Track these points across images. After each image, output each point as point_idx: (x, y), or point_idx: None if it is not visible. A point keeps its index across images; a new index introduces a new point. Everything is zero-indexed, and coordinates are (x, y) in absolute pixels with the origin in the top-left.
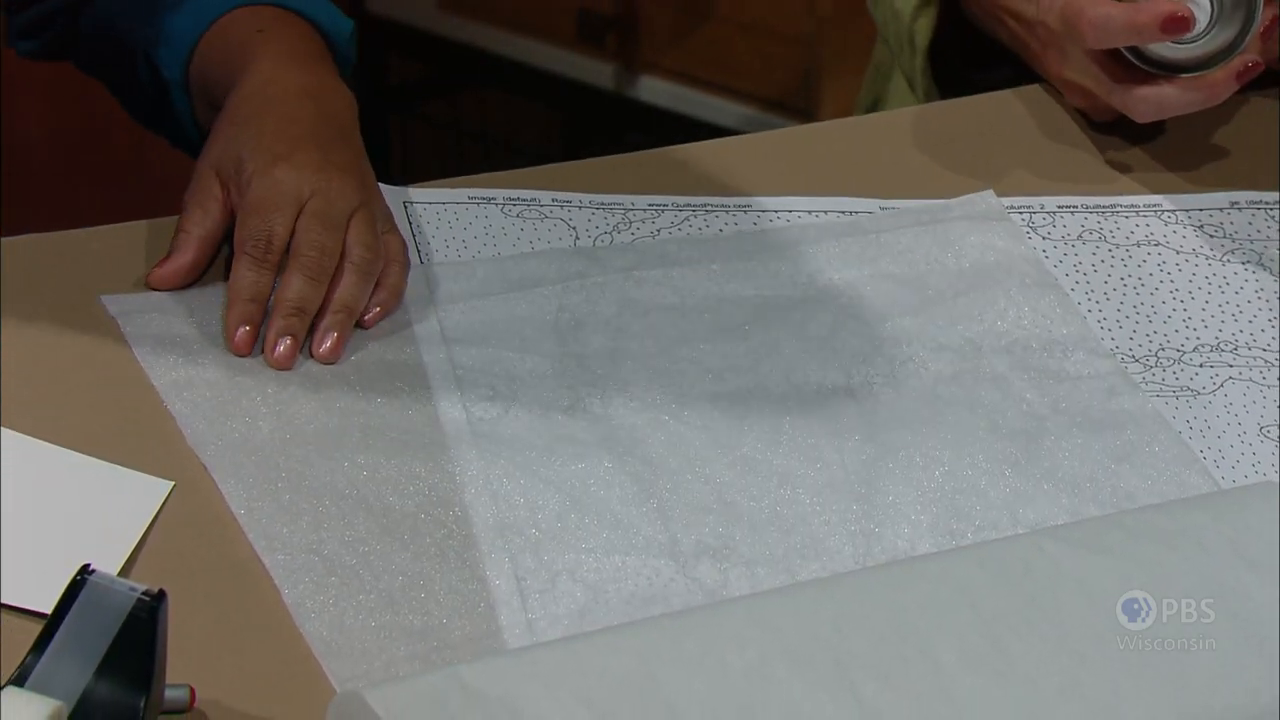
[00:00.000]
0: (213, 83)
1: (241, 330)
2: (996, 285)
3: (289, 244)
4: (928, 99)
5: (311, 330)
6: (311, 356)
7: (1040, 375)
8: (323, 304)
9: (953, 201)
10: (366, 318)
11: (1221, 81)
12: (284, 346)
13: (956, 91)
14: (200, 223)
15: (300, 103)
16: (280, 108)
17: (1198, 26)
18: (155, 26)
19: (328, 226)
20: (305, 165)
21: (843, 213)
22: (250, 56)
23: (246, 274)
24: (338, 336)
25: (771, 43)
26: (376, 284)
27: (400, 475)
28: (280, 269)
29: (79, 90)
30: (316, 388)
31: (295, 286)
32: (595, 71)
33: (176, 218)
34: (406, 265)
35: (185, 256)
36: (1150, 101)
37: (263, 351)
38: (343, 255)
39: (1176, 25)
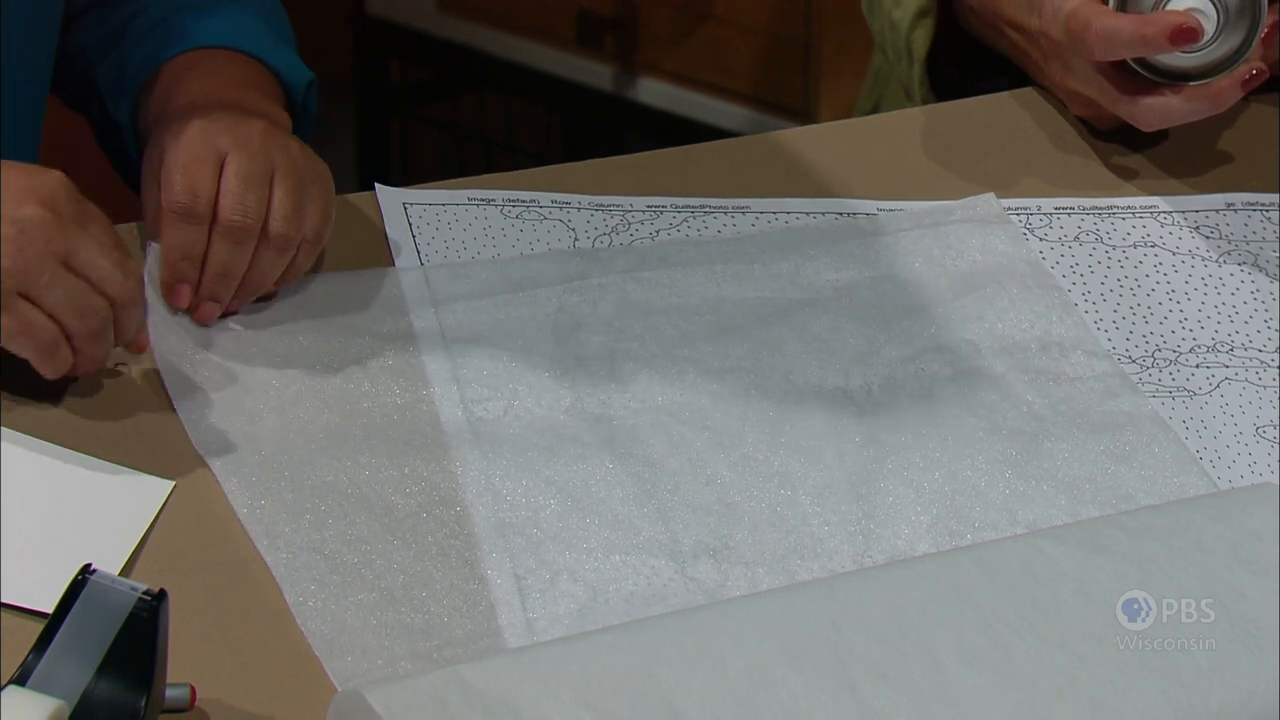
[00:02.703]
0: (147, 125)
1: (180, 287)
2: (997, 287)
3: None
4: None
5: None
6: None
7: (1039, 376)
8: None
9: (954, 204)
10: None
11: (1227, 89)
12: (207, 308)
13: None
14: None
15: (217, 106)
16: (198, 112)
17: (1204, 35)
18: (112, 66)
19: (250, 184)
20: (221, 119)
21: (842, 214)
22: (170, 99)
23: (175, 234)
24: (217, 306)
25: (770, 45)
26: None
27: (401, 475)
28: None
29: None
30: (318, 388)
31: (220, 253)
32: (594, 73)
33: None
34: (318, 246)
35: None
36: (1156, 111)
37: (187, 309)
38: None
39: (1185, 36)
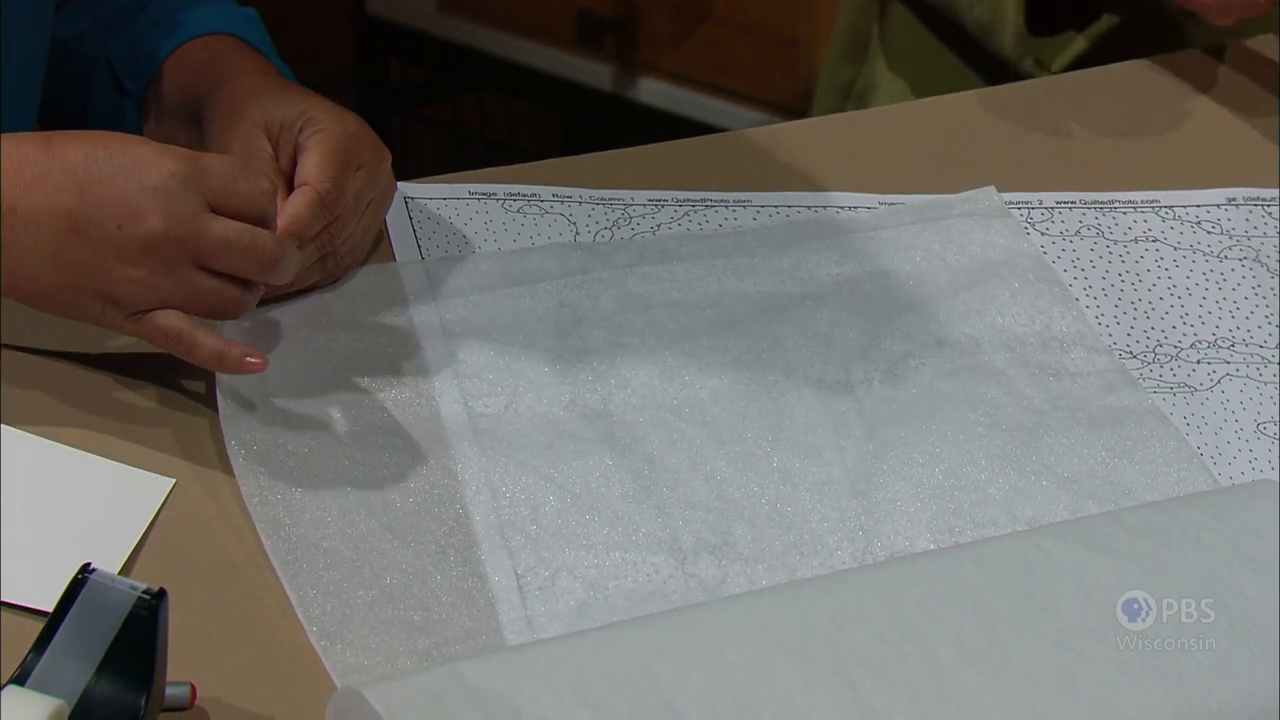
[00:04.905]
0: (175, 99)
1: None
2: (998, 282)
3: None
4: (1018, 42)
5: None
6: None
7: (1040, 371)
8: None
9: (954, 198)
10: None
11: None
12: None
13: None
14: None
15: (347, 113)
16: (334, 108)
17: None
18: (124, 41)
19: (357, 211)
20: (363, 130)
21: (843, 208)
22: (226, 63)
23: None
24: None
25: (770, 45)
26: None
27: (401, 471)
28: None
29: None
30: (318, 383)
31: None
32: (594, 73)
33: None
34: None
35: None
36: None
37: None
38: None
39: None
